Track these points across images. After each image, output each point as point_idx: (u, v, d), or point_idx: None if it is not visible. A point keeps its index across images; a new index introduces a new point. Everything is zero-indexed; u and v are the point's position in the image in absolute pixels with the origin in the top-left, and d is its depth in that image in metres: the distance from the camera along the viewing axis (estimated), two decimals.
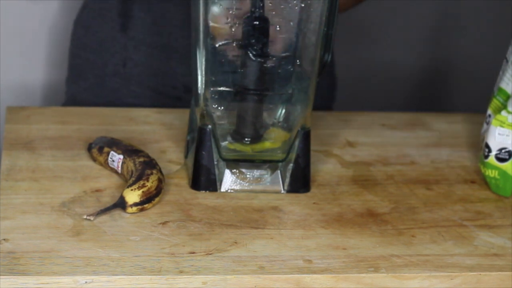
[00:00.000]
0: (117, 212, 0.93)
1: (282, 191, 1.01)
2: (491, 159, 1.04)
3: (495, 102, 1.06)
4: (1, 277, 0.80)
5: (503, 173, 1.04)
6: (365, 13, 1.72)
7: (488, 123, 1.07)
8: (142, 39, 1.30)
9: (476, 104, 1.86)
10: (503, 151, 1.03)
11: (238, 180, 1.01)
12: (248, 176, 1.01)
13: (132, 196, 0.93)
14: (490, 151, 1.04)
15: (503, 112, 1.03)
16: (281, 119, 1.01)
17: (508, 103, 1.03)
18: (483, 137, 1.08)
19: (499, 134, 1.04)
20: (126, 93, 1.32)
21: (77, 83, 1.36)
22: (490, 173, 1.05)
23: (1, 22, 1.60)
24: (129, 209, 0.93)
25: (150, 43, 1.29)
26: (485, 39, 1.89)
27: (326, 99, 1.40)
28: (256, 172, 1.01)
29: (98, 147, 1.03)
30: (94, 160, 1.04)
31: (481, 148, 1.07)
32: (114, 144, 1.03)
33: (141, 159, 0.99)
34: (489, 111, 1.07)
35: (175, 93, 1.32)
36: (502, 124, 1.03)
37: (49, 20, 1.63)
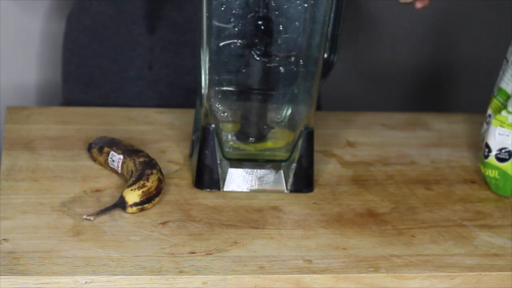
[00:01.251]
0: (117, 212, 0.93)
1: (285, 191, 1.01)
2: (491, 159, 1.04)
3: (495, 102, 1.06)
4: (1, 277, 0.80)
5: (503, 173, 1.04)
6: (365, 12, 1.72)
7: (488, 123, 1.07)
8: (172, 39, 1.29)
9: (476, 104, 1.86)
10: (503, 151, 1.03)
11: (241, 180, 1.01)
12: (251, 175, 1.01)
13: (132, 196, 0.93)
14: (490, 151, 1.04)
15: (503, 112, 1.03)
16: (285, 119, 1.01)
17: (508, 103, 1.03)
18: (483, 137, 1.08)
19: (499, 134, 1.04)
20: (152, 95, 1.31)
21: (88, 92, 1.33)
22: (490, 173, 1.05)
23: (1, 21, 1.60)
24: (129, 209, 0.93)
25: (180, 42, 1.29)
26: (485, 39, 1.89)
27: None
28: (260, 172, 1.01)
29: (98, 147, 1.03)
30: (94, 160, 1.04)
31: (481, 148, 1.07)
32: (114, 144, 1.03)
33: (141, 159, 0.99)
34: (489, 111, 1.07)
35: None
36: (502, 124, 1.03)
37: (49, 20, 1.63)
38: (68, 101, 1.35)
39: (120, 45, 1.30)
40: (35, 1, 1.61)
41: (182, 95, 1.31)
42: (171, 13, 1.28)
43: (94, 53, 1.31)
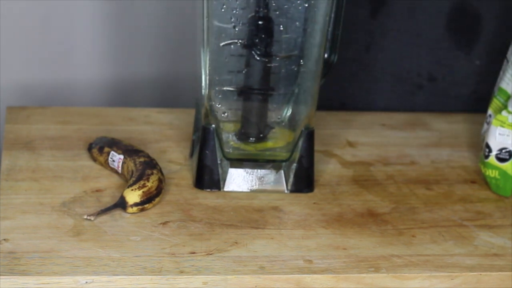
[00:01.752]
0: (118, 212, 0.93)
1: (286, 191, 1.01)
2: (492, 159, 1.04)
3: (496, 102, 1.06)
4: (1, 277, 0.80)
5: (503, 173, 1.04)
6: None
7: (488, 123, 1.07)
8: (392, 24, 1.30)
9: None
10: (503, 151, 1.03)
11: (242, 180, 1.01)
12: (251, 175, 1.01)
13: (133, 196, 0.93)
14: (490, 151, 1.04)
15: (504, 112, 1.03)
16: (285, 119, 1.01)
17: (508, 103, 1.03)
18: (483, 137, 1.08)
19: (499, 134, 1.04)
20: (366, 78, 1.31)
21: None
22: (491, 173, 1.05)
23: (1, 21, 1.60)
24: (130, 209, 0.93)
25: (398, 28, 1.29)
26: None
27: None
28: (260, 172, 1.01)
29: (98, 147, 1.03)
30: (94, 160, 1.04)
31: (481, 148, 1.07)
32: (114, 144, 1.03)
33: (142, 159, 0.99)
34: (490, 111, 1.07)
35: (417, 81, 1.31)
36: (502, 124, 1.03)
37: (51, 19, 1.63)
38: None
39: None
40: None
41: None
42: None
43: None
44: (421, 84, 1.34)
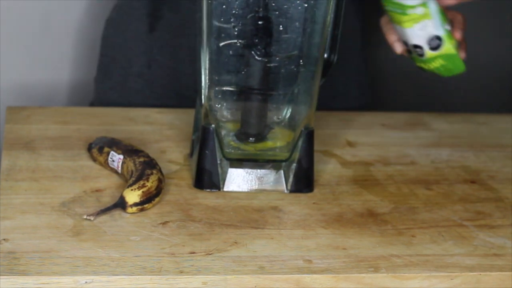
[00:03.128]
0: (117, 212, 0.93)
1: (285, 191, 1.01)
2: (428, 52, 1.04)
3: (391, 15, 1.05)
4: (1, 277, 0.80)
5: (445, 56, 1.03)
6: (365, 12, 1.72)
7: (402, 33, 1.06)
8: (168, 40, 1.29)
9: (476, 104, 1.86)
10: (431, 40, 1.03)
11: (241, 180, 1.01)
12: (251, 175, 1.01)
13: (132, 196, 0.93)
14: (421, 47, 1.04)
15: (409, 11, 1.02)
16: (285, 119, 1.01)
17: (403, 3, 1.02)
18: (403, 48, 1.06)
19: (419, 29, 1.03)
20: (149, 95, 1.32)
21: (104, 82, 1.35)
22: (435, 64, 1.04)
23: (1, 21, 1.60)
24: (129, 209, 0.93)
25: (176, 45, 1.29)
26: (486, 39, 1.89)
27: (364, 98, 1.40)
28: (260, 172, 1.01)
29: (98, 147, 1.03)
30: (94, 160, 1.04)
31: (409, 53, 1.06)
32: (114, 144, 1.03)
33: (141, 159, 0.99)
34: (397, 27, 1.06)
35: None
36: (415, 20, 1.02)
37: (50, 19, 1.63)
38: (94, 90, 1.37)
39: (130, 40, 1.30)
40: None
41: (175, 99, 1.31)
42: (169, 14, 1.28)
43: (111, 44, 1.32)
44: None
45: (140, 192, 0.93)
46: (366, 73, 1.42)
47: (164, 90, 1.31)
